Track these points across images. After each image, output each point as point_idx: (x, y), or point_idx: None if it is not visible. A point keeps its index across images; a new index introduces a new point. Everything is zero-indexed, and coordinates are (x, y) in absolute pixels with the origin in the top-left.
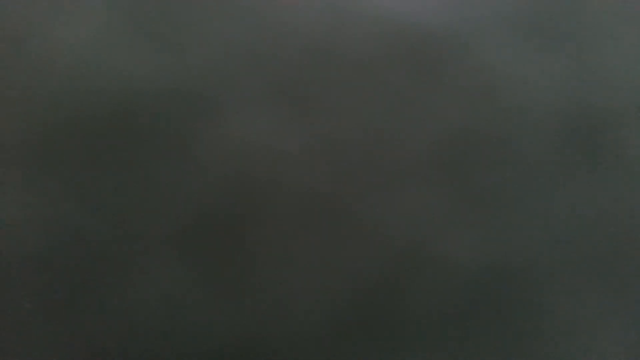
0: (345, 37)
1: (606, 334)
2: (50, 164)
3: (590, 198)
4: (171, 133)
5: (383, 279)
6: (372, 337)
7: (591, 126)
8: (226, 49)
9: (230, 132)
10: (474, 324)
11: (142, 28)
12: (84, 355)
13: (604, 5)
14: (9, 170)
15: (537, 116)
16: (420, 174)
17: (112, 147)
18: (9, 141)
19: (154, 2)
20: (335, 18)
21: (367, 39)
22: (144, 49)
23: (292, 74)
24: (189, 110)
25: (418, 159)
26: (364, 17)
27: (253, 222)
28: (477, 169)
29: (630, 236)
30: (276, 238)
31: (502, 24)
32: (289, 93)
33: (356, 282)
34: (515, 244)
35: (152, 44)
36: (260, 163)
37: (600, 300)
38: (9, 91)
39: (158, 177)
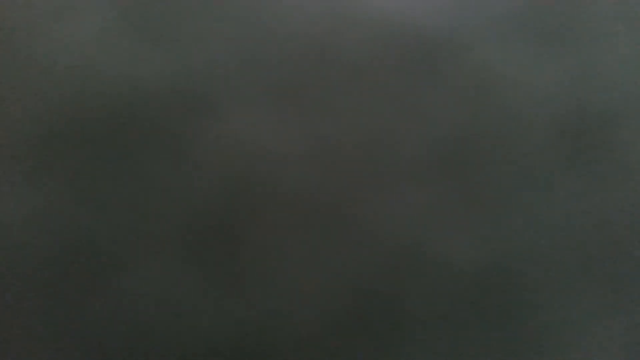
0: (344, 39)
1: (605, 334)
2: (50, 164)
3: (588, 199)
4: (171, 133)
5: (382, 280)
6: (371, 338)
7: (590, 127)
8: (226, 50)
9: (229, 133)
10: (473, 324)
11: (142, 28)
12: (85, 355)
13: (603, 6)
14: (10, 171)
15: (535, 117)
16: (419, 176)
17: (112, 147)
18: (9, 141)
19: (154, 2)
20: (335, 19)
21: (366, 41)
22: (143, 49)
23: (291, 75)
24: (189, 110)
25: (417, 161)
26: (363, 18)
27: (253, 222)
28: (476, 171)
29: (629, 236)
30: (276, 238)
31: (500, 26)
32: (289, 94)
33: (356, 283)
34: (513, 244)
35: (151, 44)
36: (259, 164)
37: (599, 300)
38: (9, 91)
39: (158, 177)
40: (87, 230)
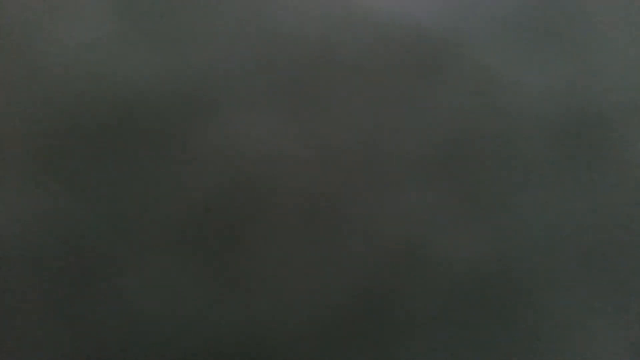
0: (344, 40)
1: (605, 334)
2: (50, 164)
3: (588, 198)
4: (171, 134)
5: (382, 279)
6: (371, 337)
7: (590, 127)
8: (226, 51)
9: (229, 134)
10: (472, 324)
11: (142, 29)
12: (85, 355)
13: (603, 6)
14: (10, 171)
15: (535, 117)
16: (419, 176)
17: (112, 148)
18: (9, 142)
19: (155, 3)
20: (335, 20)
21: (366, 41)
22: (144, 50)
23: (292, 76)
24: (189, 111)
25: (417, 161)
26: (364, 19)
27: (253, 222)
28: (476, 171)
29: (629, 236)
30: (275, 239)
31: (500, 26)
32: (289, 95)
33: (355, 283)
34: (513, 244)
35: (152, 45)
36: (259, 164)
37: (599, 299)
38: (9, 91)
39: (158, 177)
40: (87, 230)
